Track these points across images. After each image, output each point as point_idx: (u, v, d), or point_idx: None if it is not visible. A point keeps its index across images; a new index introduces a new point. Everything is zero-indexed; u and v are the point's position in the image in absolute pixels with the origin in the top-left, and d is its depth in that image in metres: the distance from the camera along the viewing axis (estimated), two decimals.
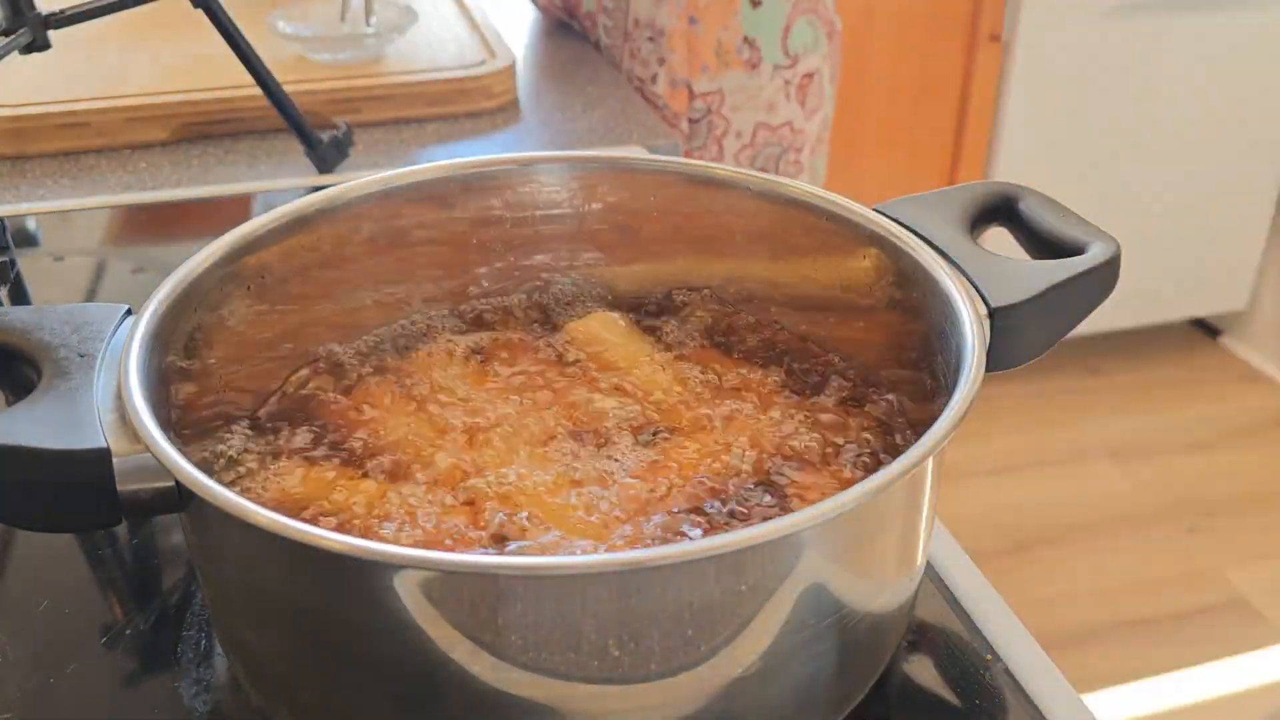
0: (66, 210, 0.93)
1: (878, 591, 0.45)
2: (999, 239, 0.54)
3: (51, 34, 0.83)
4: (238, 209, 0.95)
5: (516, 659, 0.39)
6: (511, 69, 1.11)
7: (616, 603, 0.39)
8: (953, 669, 0.52)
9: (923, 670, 0.52)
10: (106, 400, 0.44)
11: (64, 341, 0.46)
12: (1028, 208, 0.56)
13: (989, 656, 0.53)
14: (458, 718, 0.41)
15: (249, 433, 0.54)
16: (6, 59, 0.80)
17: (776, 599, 0.41)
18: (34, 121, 1.01)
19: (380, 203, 0.58)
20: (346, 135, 0.95)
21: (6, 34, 0.81)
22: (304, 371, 0.58)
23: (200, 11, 0.87)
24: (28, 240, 0.91)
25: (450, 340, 0.61)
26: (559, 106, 1.13)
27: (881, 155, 2.25)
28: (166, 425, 0.45)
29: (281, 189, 0.95)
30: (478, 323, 0.62)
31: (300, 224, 0.56)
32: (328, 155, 0.94)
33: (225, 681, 0.51)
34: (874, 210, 0.55)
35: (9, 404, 0.43)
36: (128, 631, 0.54)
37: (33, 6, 0.82)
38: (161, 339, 0.47)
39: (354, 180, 0.58)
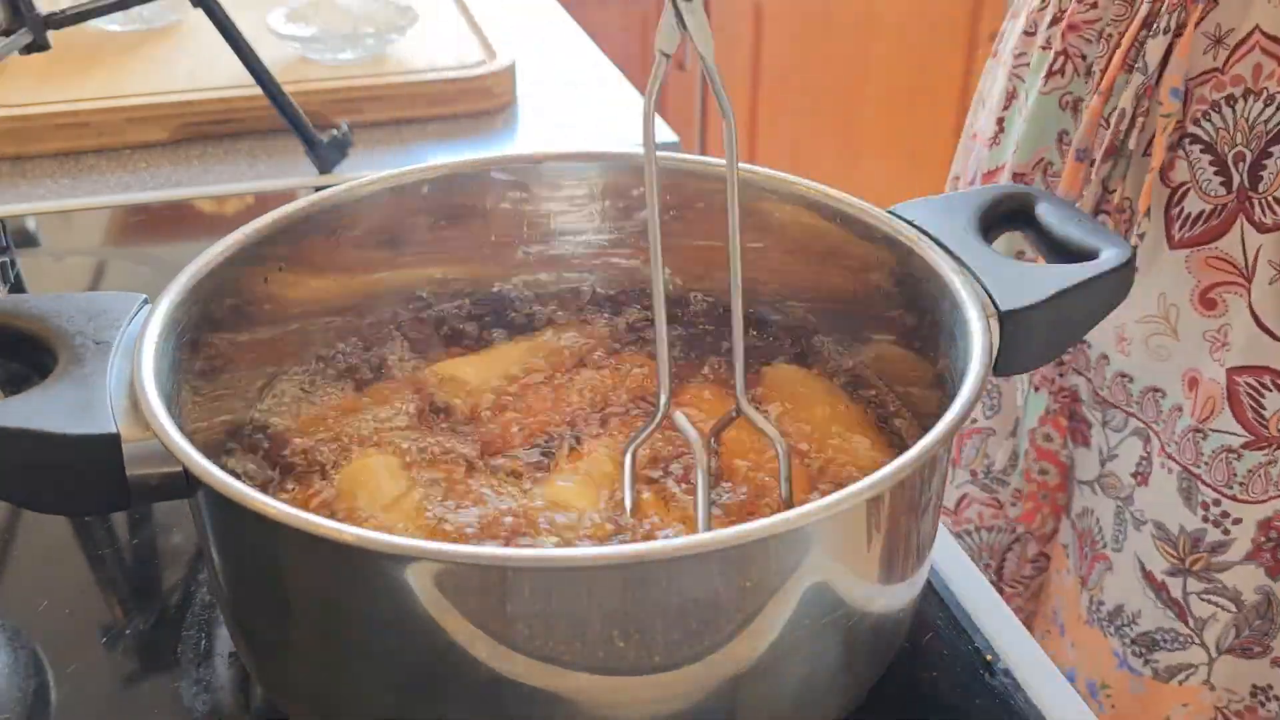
0: (66, 210, 0.93)
1: (881, 591, 0.45)
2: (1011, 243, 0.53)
3: (51, 34, 0.83)
4: (238, 209, 0.95)
5: (523, 649, 0.39)
6: (511, 69, 1.11)
7: (621, 595, 0.39)
8: (953, 669, 0.52)
9: (923, 670, 0.52)
10: (119, 387, 0.44)
11: (81, 329, 0.47)
12: (1043, 212, 0.55)
13: (989, 656, 0.53)
14: (464, 706, 0.41)
15: (261, 423, 0.54)
16: (6, 59, 0.80)
17: (780, 595, 0.41)
18: (34, 121, 1.00)
19: (396, 199, 0.58)
20: (346, 135, 0.95)
21: (6, 34, 0.81)
22: (316, 364, 0.58)
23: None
24: (28, 240, 0.91)
25: (453, 341, 0.61)
26: (558, 106, 1.13)
27: (881, 156, 2.25)
28: (178, 413, 0.45)
29: (281, 189, 0.95)
30: (481, 321, 0.62)
31: (317, 219, 0.56)
32: (328, 155, 0.94)
33: (225, 682, 0.51)
34: (887, 212, 0.55)
35: (26, 388, 0.44)
36: (128, 631, 0.54)
37: (32, 6, 0.82)
38: (176, 329, 0.48)
39: (370, 176, 0.58)
